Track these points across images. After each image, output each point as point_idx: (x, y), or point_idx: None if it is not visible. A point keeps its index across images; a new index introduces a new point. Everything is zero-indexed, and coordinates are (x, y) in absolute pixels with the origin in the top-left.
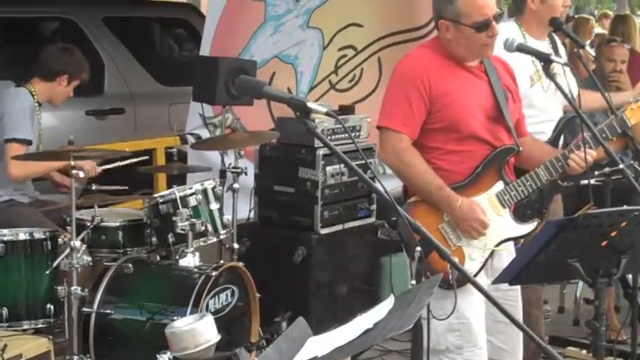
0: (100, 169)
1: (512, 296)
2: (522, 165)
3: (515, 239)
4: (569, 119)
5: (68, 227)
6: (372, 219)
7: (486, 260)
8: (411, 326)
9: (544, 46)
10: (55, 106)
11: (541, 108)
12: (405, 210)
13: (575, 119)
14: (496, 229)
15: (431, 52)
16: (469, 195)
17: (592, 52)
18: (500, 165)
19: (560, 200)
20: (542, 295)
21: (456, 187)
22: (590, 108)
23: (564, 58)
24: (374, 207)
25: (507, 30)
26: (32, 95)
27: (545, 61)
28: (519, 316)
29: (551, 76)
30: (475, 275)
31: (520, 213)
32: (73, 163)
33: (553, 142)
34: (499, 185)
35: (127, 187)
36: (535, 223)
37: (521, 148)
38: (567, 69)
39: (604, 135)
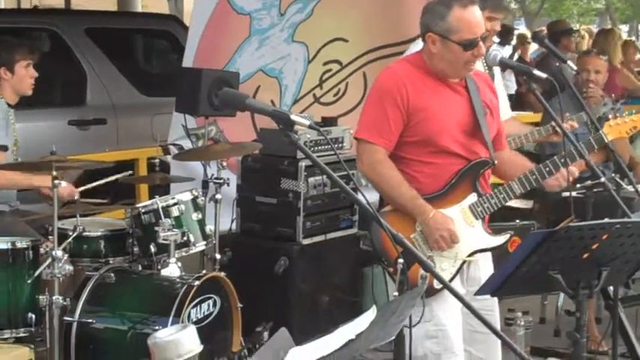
0: (77, 192)
1: (489, 305)
2: (500, 178)
3: (486, 251)
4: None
5: (50, 237)
6: (355, 230)
7: (458, 270)
8: (393, 337)
9: None
10: (27, 94)
11: None
12: None
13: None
14: (467, 240)
15: (411, 66)
16: (443, 205)
17: (574, 66)
18: (475, 177)
19: None
20: None
21: (431, 198)
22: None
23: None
24: (356, 218)
25: None
26: (2, 99)
27: (528, 75)
28: (496, 325)
29: (533, 90)
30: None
31: None
32: (55, 173)
33: None
34: (472, 197)
35: (107, 201)
36: (507, 236)
37: (496, 162)
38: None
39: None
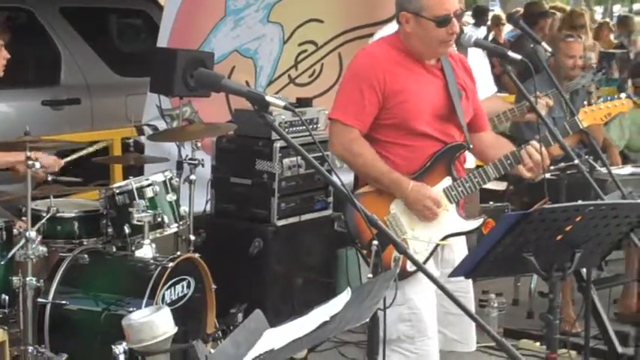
0: (62, 162)
1: (463, 287)
2: (482, 161)
3: (460, 234)
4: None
5: (23, 217)
6: (329, 211)
7: (431, 253)
8: (367, 319)
9: None
10: None
11: None
12: None
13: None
14: (442, 223)
15: (388, 47)
16: None
17: (548, 47)
18: (450, 161)
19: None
20: None
21: None
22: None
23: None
24: (331, 199)
25: None
26: None
27: (502, 57)
28: (471, 307)
29: (508, 72)
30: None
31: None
32: (29, 153)
33: None
34: (447, 181)
35: (81, 180)
36: (481, 220)
37: (471, 145)
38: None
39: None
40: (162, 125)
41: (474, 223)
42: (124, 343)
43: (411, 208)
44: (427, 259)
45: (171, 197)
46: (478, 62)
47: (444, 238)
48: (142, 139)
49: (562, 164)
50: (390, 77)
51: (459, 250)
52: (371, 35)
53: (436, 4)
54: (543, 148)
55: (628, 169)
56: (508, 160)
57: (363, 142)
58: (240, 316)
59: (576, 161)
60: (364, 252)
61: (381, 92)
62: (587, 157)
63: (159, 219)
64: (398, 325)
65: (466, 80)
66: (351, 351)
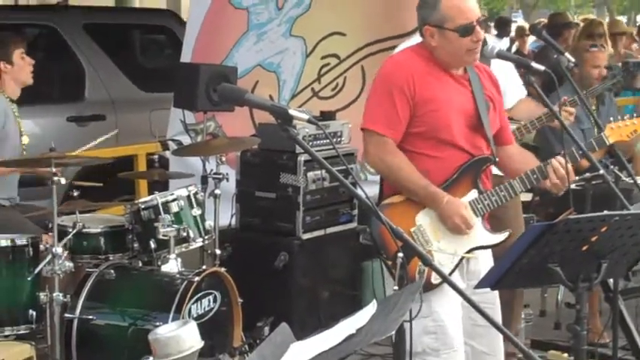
0: None
1: (490, 299)
2: (507, 175)
3: (485, 248)
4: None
5: (50, 233)
6: (354, 224)
7: (456, 266)
8: (393, 332)
9: None
10: (29, 83)
11: None
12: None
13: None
14: (468, 236)
15: (417, 56)
16: None
17: (571, 58)
18: (476, 174)
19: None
20: None
21: None
22: (526, 117)
23: None
24: (355, 212)
25: None
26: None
27: (526, 68)
28: (498, 319)
29: (532, 83)
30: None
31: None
32: (54, 169)
33: None
34: (473, 194)
35: (101, 184)
36: (506, 234)
37: (497, 159)
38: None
39: (580, 152)
40: (186, 140)
41: (499, 237)
42: (151, 358)
43: (443, 222)
44: (452, 271)
45: (196, 212)
46: (503, 69)
47: (470, 251)
48: (167, 154)
49: (587, 174)
50: (420, 84)
51: (484, 262)
52: (393, 48)
53: (458, 14)
54: (569, 164)
55: None
56: (534, 175)
57: (398, 153)
58: (266, 329)
59: (602, 171)
60: (390, 263)
61: (411, 98)
62: (612, 167)
63: (184, 233)
64: (423, 337)
65: (493, 92)
66: None
